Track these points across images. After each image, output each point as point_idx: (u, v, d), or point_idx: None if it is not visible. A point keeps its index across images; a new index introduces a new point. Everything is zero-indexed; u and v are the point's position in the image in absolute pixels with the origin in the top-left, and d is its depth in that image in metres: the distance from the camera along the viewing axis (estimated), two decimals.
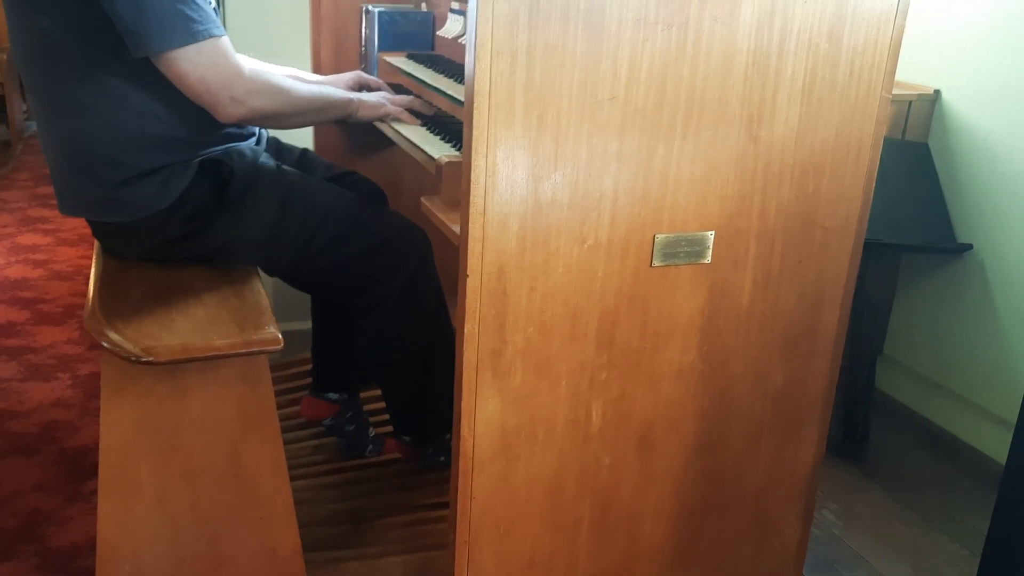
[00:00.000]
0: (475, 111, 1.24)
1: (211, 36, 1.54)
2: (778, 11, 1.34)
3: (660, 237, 1.40)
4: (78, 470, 2.22)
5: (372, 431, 2.11)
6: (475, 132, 1.26)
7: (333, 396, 2.04)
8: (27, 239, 3.81)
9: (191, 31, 1.51)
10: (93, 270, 1.68)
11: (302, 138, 2.34)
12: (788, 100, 1.39)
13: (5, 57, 5.04)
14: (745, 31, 1.33)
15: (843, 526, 2.14)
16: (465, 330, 1.35)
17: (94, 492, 2.13)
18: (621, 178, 1.35)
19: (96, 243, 1.80)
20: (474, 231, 1.30)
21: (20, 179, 4.69)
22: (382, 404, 2.23)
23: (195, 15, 1.52)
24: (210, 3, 1.60)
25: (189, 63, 1.52)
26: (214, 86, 1.54)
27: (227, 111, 1.58)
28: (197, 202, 1.66)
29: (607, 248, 1.38)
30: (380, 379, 1.95)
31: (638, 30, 1.28)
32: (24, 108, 5.70)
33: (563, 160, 1.31)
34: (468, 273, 1.32)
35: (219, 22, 1.58)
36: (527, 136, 1.28)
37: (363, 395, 2.18)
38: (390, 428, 2.12)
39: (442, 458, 1.99)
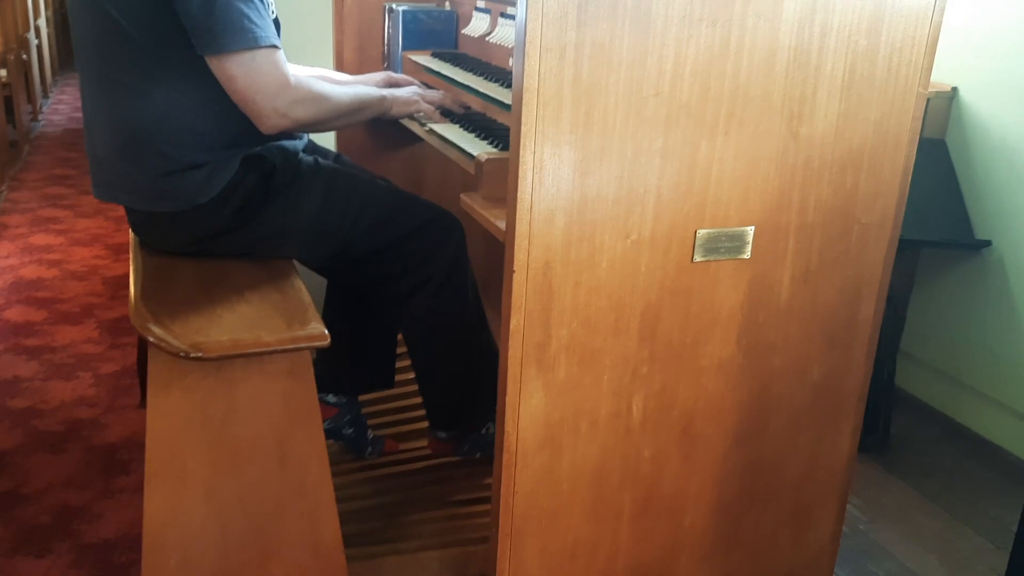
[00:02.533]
0: (524, 107, 1.26)
1: (270, 45, 1.57)
2: (819, 8, 1.36)
3: (702, 232, 1.42)
4: (107, 467, 2.23)
5: (371, 433, 2.11)
6: (523, 128, 1.27)
7: (332, 399, 2.04)
8: (40, 239, 3.81)
9: (252, 36, 1.54)
10: (132, 266, 1.69)
11: (323, 137, 2.35)
12: (828, 96, 1.41)
13: (12, 58, 5.04)
14: (787, 28, 1.35)
15: (868, 520, 2.16)
16: (511, 324, 1.36)
17: (124, 489, 2.15)
18: (665, 173, 1.36)
19: (133, 239, 1.81)
20: (521, 226, 1.32)
21: (29, 179, 4.70)
22: (380, 406, 2.27)
23: (258, 22, 1.55)
24: (272, 14, 1.63)
25: (242, 67, 1.55)
26: (260, 95, 1.57)
27: (271, 122, 1.61)
28: (245, 193, 1.68)
29: (650, 243, 1.39)
30: (420, 370, 1.96)
31: (683, 27, 1.30)
32: (30, 110, 5.70)
33: (609, 156, 1.32)
34: (515, 268, 1.34)
35: (277, 34, 1.61)
36: (574, 132, 1.30)
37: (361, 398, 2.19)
38: (387, 430, 2.15)
39: (479, 454, 2.01)
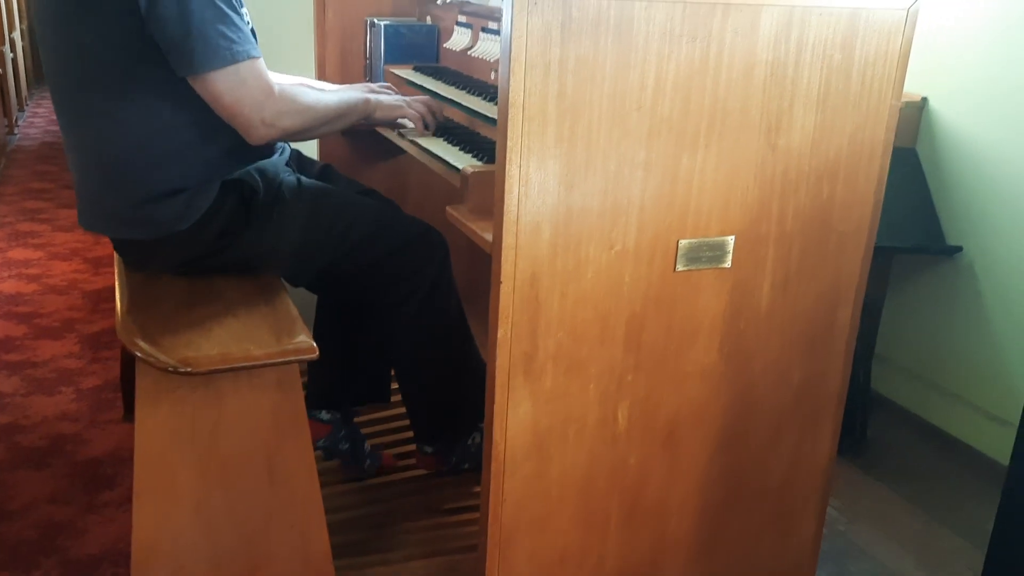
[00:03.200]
0: (509, 122, 1.29)
1: (249, 57, 1.57)
2: (795, 24, 1.40)
3: (684, 242, 1.45)
4: (91, 482, 2.23)
5: (367, 445, 2.11)
6: (509, 142, 1.30)
7: (325, 416, 2.04)
8: (19, 254, 3.79)
9: (232, 52, 1.54)
10: (118, 282, 1.70)
11: (306, 147, 2.36)
12: (804, 109, 1.45)
13: None
14: (764, 43, 1.39)
15: (847, 521, 2.20)
16: (498, 335, 1.39)
17: (109, 503, 2.15)
18: (648, 186, 1.40)
19: (117, 257, 1.82)
20: (507, 238, 1.34)
21: (7, 194, 4.67)
22: (379, 426, 2.28)
23: (235, 36, 1.55)
24: (247, 24, 1.64)
25: (226, 83, 1.55)
26: (247, 108, 1.58)
27: (258, 133, 1.62)
28: (225, 218, 1.69)
29: (634, 254, 1.42)
30: (404, 382, 1.98)
31: (664, 43, 1.33)
32: (6, 123, 5.66)
33: (593, 169, 1.35)
34: (501, 279, 1.36)
35: (255, 42, 1.61)
36: (559, 146, 1.32)
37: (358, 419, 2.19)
38: (387, 451, 2.16)
39: (466, 465, 2.02)
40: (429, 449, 2.02)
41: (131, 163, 1.63)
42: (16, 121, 6.14)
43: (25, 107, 6.79)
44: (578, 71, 1.30)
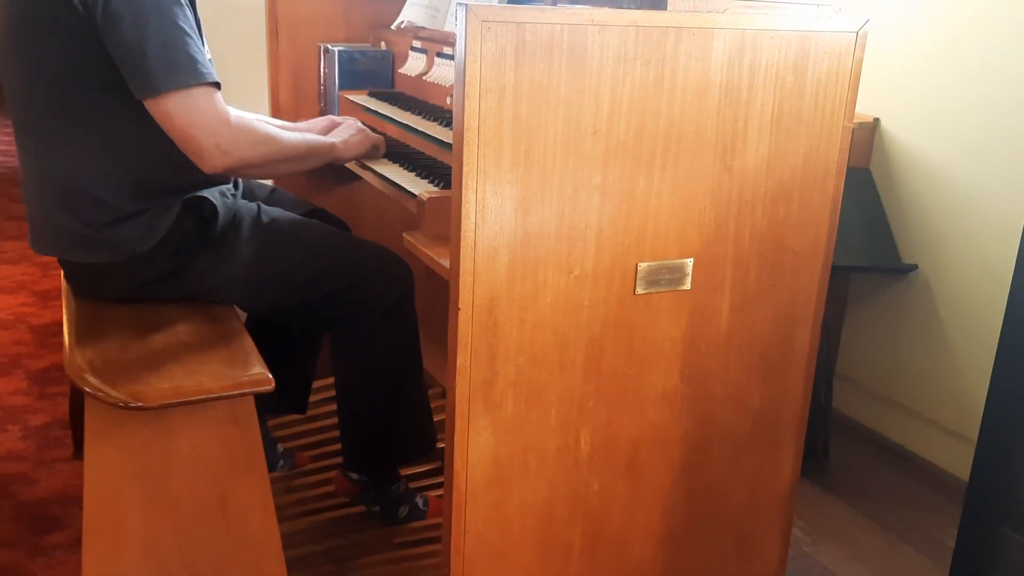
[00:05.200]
0: (465, 147, 1.27)
1: (208, 82, 1.54)
2: (747, 47, 1.40)
3: (643, 265, 1.44)
4: (37, 524, 2.15)
5: (280, 447, 2.14)
6: (465, 167, 1.28)
7: None
8: None
9: (186, 74, 1.51)
10: (66, 314, 1.65)
11: None
12: (759, 131, 1.46)
13: None
14: (717, 66, 1.39)
15: (812, 542, 2.20)
16: (457, 363, 1.36)
17: (56, 546, 2.07)
18: (605, 209, 1.39)
19: (65, 286, 1.76)
20: (465, 264, 1.32)
21: None
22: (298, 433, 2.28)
23: (197, 57, 1.52)
24: (206, 53, 1.60)
25: (177, 105, 1.51)
26: (199, 131, 1.53)
27: (213, 160, 1.56)
28: (181, 240, 1.65)
29: (592, 278, 1.41)
30: (343, 403, 1.94)
31: (618, 66, 1.33)
32: None
33: (549, 193, 1.34)
34: (460, 306, 1.34)
35: (212, 70, 1.58)
36: (515, 171, 1.31)
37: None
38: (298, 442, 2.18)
39: (377, 508, 2.00)
40: (354, 476, 1.98)
41: (91, 186, 1.59)
42: None
43: None
44: (532, 95, 1.29)
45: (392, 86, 2.41)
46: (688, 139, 1.41)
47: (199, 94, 1.53)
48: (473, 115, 1.26)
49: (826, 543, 2.19)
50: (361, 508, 2.03)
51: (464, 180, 1.29)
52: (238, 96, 2.21)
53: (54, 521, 2.16)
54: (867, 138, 2.60)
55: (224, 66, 2.54)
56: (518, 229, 1.34)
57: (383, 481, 1.99)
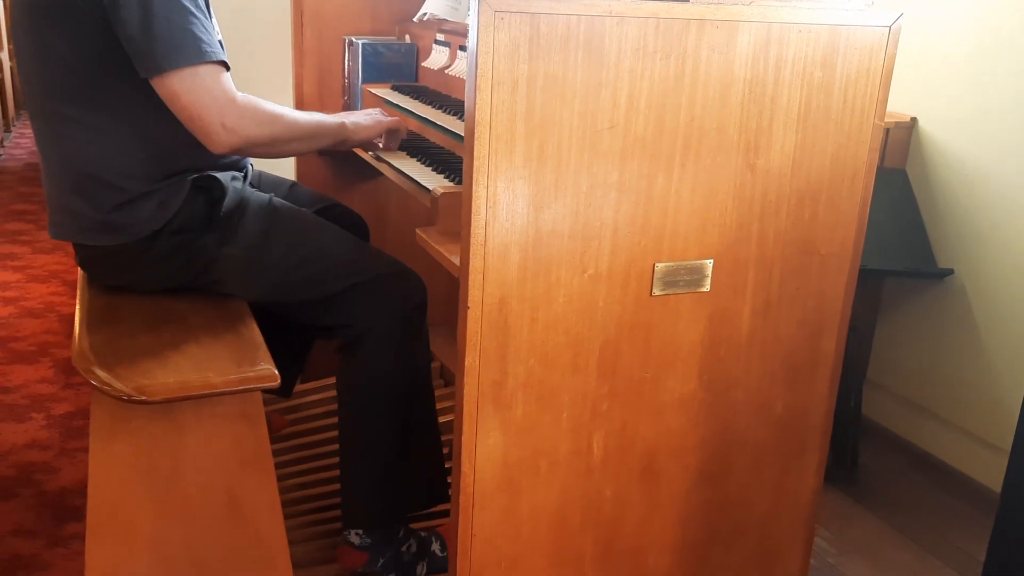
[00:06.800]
0: (476, 141, 1.24)
1: (215, 60, 1.51)
2: (773, 41, 1.35)
3: (660, 266, 1.40)
4: (58, 514, 2.15)
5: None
6: (476, 162, 1.25)
7: None
8: None
9: (192, 52, 1.49)
10: (78, 304, 1.64)
11: (285, 168, 2.32)
12: (784, 128, 1.40)
13: None
14: (742, 61, 1.34)
15: (837, 553, 2.13)
16: (466, 363, 1.33)
17: (74, 536, 2.07)
18: (621, 207, 1.34)
19: (80, 275, 1.76)
20: (475, 262, 1.29)
21: None
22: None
23: (194, 40, 1.50)
24: (216, 33, 1.59)
25: (183, 83, 1.49)
26: (205, 110, 1.50)
27: (220, 139, 1.53)
28: (186, 217, 1.63)
29: (608, 277, 1.37)
30: (345, 442, 1.78)
31: (637, 60, 1.29)
32: None
33: (563, 190, 1.30)
34: (469, 305, 1.31)
35: (219, 49, 1.55)
36: (528, 166, 1.27)
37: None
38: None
39: (392, 575, 1.78)
40: (356, 541, 1.75)
41: (103, 169, 1.58)
42: (2, 142, 6.09)
43: (12, 128, 6.75)
44: (547, 88, 1.25)
45: (416, 80, 2.39)
46: (710, 136, 1.36)
47: (205, 73, 1.50)
48: (485, 108, 1.23)
49: (852, 554, 2.13)
50: None
51: (475, 175, 1.25)
52: (263, 88, 2.20)
53: (74, 511, 2.17)
54: (903, 138, 2.52)
55: (249, 58, 2.54)
56: (530, 226, 1.30)
57: (391, 540, 1.78)
